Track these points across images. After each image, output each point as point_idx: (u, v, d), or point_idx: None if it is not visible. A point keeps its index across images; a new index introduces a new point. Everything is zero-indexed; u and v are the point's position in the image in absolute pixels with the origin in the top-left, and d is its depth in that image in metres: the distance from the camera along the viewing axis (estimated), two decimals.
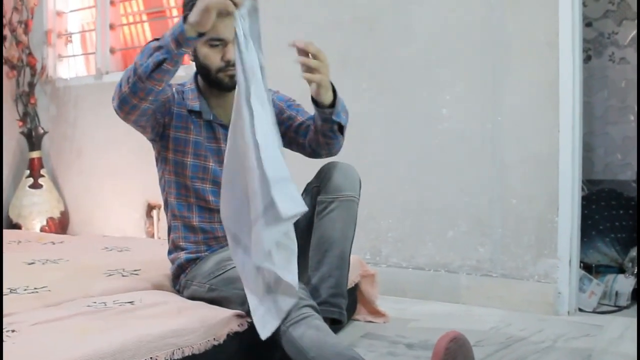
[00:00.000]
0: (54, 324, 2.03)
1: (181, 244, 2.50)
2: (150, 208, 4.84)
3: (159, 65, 2.08)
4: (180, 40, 2.05)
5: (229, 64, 2.35)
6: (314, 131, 2.47)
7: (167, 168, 2.49)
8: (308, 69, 2.22)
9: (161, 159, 2.52)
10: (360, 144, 3.89)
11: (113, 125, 4.91)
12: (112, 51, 5.15)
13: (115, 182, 5.03)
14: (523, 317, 3.27)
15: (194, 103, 2.48)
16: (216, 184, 2.46)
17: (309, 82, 2.24)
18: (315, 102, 2.34)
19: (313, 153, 2.58)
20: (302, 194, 2.52)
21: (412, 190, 3.77)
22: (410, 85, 3.79)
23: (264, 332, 2.06)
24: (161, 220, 4.78)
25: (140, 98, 2.17)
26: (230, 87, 2.39)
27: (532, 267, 3.43)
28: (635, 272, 3.54)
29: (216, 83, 2.43)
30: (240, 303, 2.23)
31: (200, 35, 2.07)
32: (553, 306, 3.35)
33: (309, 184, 2.51)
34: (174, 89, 2.47)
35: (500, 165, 3.51)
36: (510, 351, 2.70)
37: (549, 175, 3.38)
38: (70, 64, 5.51)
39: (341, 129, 2.43)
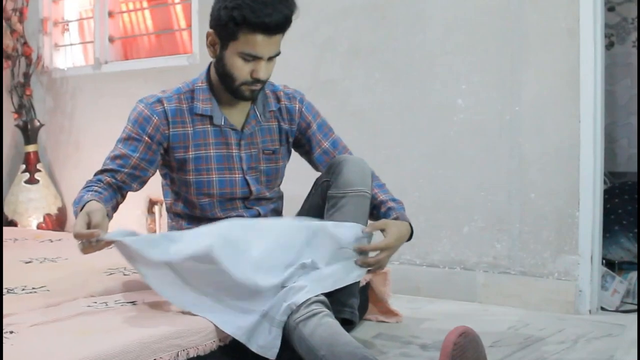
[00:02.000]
0: (54, 325, 2.05)
1: None
2: (151, 204, 4.86)
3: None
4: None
5: (257, 81, 2.37)
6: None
7: (173, 186, 2.56)
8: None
9: (165, 176, 2.58)
10: (373, 136, 3.90)
11: (112, 117, 4.93)
12: (111, 40, 5.18)
13: None
14: (542, 316, 3.28)
15: (205, 105, 2.47)
16: (223, 195, 2.50)
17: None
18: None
19: None
20: (311, 189, 2.55)
21: (426, 185, 3.78)
22: (424, 75, 3.79)
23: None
24: (163, 216, 4.80)
25: None
26: (249, 99, 2.45)
27: (551, 264, 3.44)
28: None
29: (235, 93, 2.43)
30: None
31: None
32: (574, 305, 3.36)
33: (318, 179, 2.54)
34: (165, 105, 2.44)
35: (519, 158, 3.52)
36: (528, 352, 2.71)
37: (570, 167, 3.38)
38: (67, 53, 5.54)
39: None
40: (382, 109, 3.88)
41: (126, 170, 2.38)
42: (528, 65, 3.48)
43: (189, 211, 2.53)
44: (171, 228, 2.60)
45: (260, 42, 2.28)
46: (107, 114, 5.00)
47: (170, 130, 2.43)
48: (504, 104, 3.55)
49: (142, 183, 2.45)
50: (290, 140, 2.66)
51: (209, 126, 2.48)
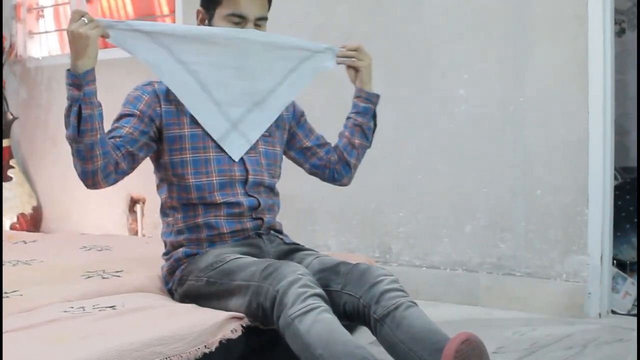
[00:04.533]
0: (27, 332, 2.05)
1: (182, 241, 2.54)
2: (133, 202, 4.86)
3: (79, 117, 2.21)
4: (76, 82, 2.20)
5: None
6: (344, 146, 2.78)
7: (167, 173, 2.56)
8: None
9: (159, 165, 2.59)
10: None
11: None
12: None
13: None
14: (549, 320, 3.29)
15: None
16: (221, 173, 2.52)
17: (353, 67, 2.73)
18: (359, 92, 2.74)
19: (337, 172, 2.83)
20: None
21: (425, 181, 3.78)
22: (423, 64, 3.80)
23: (237, 154, 2.53)
24: (145, 216, 4.80)
25: (90, 158, 2.27)
26: None
27: (559, 265, 3.45)
28: None
29: None
30: (242, 295, 2.26)
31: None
32: (583, 308, 3.36)
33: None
34: (155, 86, 2.53)
35: (524, 152, 3.52)
36: (534, 358, 2.71)
37: (578, 162, 3.39)
38: (42, 41, 5.52)
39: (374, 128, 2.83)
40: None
41: (120, 133, 2.42)
42: (533, 53, 3.49)
43: (185, 200, 2.53)
44: (166, 226, 2.61)
45: (243, 0, 2.46)
46: None
47: (163, 107, 2.49)
48: (508, 95, 3.56)
49: (141, 148, 2.45)
50: (286, 127, 2.74)
51: None
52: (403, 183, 3.83)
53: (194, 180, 2.51)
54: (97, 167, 2.28)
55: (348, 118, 2.77)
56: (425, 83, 3.78)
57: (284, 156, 2.79)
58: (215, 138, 2.50)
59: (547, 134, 3.47)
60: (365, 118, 2.75)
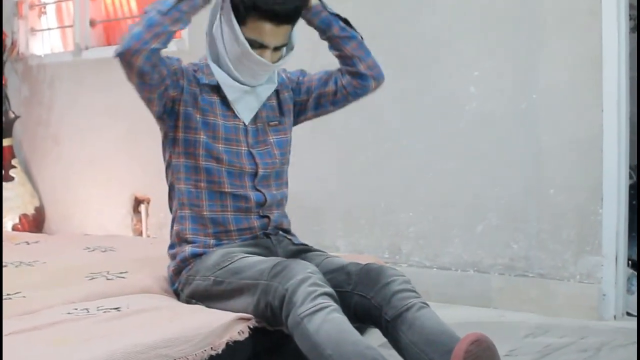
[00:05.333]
0: (30, 334, 2.05)
1: (188, 236, 2.54)
2: (137, 202, 4.85)
3: (179, 2, 2.31)
4: None
5: None
6: (342, 63, 2.71)
7: (176, 150, 2.56)
8: None
9: (169, 141, 2.59)
10: (377, 128, 3.89)
11: (94, 108, 4.93)
12: (92, 24, 5.16)
13: (98, 173, 5.03)
14: (562, 322, 3.28)
15: (211, 78, 2.56)
16: (231, 164, 2.53)
17: None
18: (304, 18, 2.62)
19: (359, 87, 2.74)
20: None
21: (435, 180, 3.77)
22: (432, 61, 3.79)
23: (247, 116, 2.56)
24: (150, 216, 4.79)
25: (155, 34, 2.29)
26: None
27: (572, 266, 3.44)
28: None
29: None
30: (250, 294, 2.27)
31: None
32: (597, 310, 3.35)
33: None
34: (182, 64, 2.54)
35: (536, 151, 3.51)
36: None
37: (592, 160, 3.38)
38: (44, 38, 5.52)
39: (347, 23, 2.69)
40: (386, 98, 3.86)
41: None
42: (545, 49, 3.48)
43: (193, 182, 2.54)
44: (172, 214, 2.62)
45: (267, 31, 2.42)
46: (88, 105, 4.99)
47: (185, 83, 2.51)
48: (520, 92, 3.55)
49: (170, 82, 2.46)
50: (291, 108, 2.74)
51: (216, 97, 2.56)
52: (413, 182, 3.83)
53: (204, 162, 2.52)
54: (151, 43, 2.28)
55: (326, 41, 2.70)
56: (435, 80, 3.78)
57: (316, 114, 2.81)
58: (230, 99, 2.53)
59: (560, 132, 3.46)
60: (332, 26, 2.63)
